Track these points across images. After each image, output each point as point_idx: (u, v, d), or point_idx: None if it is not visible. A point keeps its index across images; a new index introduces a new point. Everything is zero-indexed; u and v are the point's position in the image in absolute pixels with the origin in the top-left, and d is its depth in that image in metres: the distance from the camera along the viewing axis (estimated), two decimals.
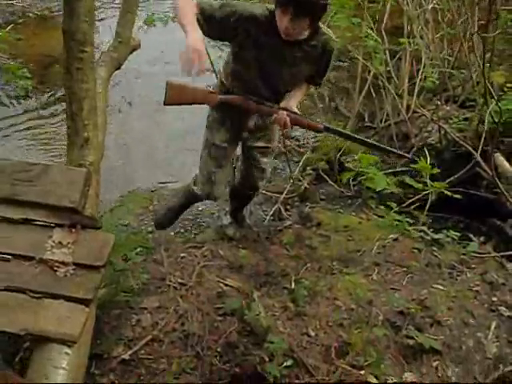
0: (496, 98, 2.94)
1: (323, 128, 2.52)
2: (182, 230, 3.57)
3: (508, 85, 3.37)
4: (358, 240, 2.88)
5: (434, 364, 2.16)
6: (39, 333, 1.42)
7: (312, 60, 2.46)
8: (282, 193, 3.69)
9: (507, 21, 2.81)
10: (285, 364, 2.11)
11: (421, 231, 2.79)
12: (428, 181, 2.31)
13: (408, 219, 2.64)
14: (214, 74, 2.92)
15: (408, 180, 2.67)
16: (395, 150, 2.54)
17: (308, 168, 3.81)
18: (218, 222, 3.42)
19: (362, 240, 2.87)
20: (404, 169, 3.50)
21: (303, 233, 3.02)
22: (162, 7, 7.17)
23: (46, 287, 1.50)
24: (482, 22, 4.07)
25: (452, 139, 3.36)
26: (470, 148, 3.07)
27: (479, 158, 2.96)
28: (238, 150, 2.91)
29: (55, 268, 1.51)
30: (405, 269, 2.64)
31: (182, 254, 2.79)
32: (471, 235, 2.92)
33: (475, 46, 3.94)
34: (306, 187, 3.69)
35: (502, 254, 2.74)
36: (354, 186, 3.46)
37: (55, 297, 1.48)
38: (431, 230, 2.79)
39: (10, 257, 1.56)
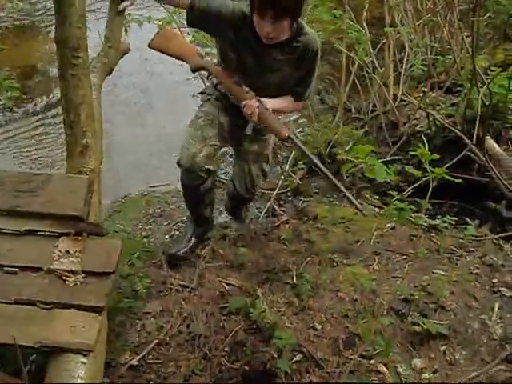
0: (486, 81, 2.96)
1: (287, 137, 2.39)
2: (177, 233, 3.56)
3: (492, 68, 3.39)
4: (356, 231, 2.88)
5: (442, 349, 2.16)
6: (54, 344, 1.40)
7: (295, 63, 2.37)
8: (274, 189, 3.69)
9: (494, 4, 2.81)
10: (294, 359, 2.12)
11: (411, 218, 2.80)
12: (428, 167, 2.32)
13: (411, 206, 2.65)
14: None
15: (407, 168, 2.68)
16: (352, 199, 2.46)
17: (300, 162, 3.81)
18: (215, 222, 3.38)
19: (359, 231, 2.88)
20: (395, 157, 3.52)
21: (300, 227, 3.03)
22: (136, 9, 7.12)
23: (56, 297, 1.49)
24: (461, 7, 4.14)
25: (441, 125, 3.38)
26: (461, 134, 3.09)
27: (472, 145, 2.97)
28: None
29: (64, 277, 1.50)
30: (405, 256, 2.65)
31: None
32: (467, 219, 2.95)
33: (457, 32, 4.01)
34: (298, 182, 3.69)
35: (499, 235, 2.76)
36: (347, 177, 3.46)
37: (67, 306, 1.47)
38: (427, 216, 2.81)
39: (16, 269, 1.55)
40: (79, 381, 1.36)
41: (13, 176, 1.69)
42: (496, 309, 2.35)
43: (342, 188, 2.48)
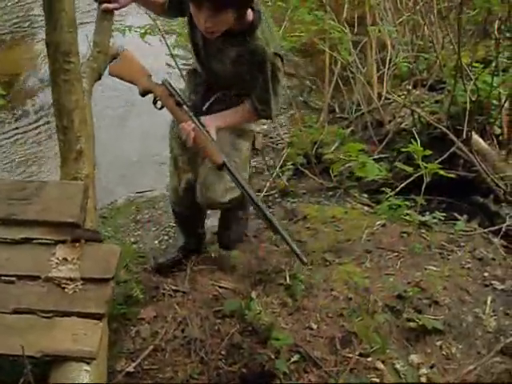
0: (473, 77, 3.00)
1: (221, 164, 2.18)
2: (166, 237, 3.54)
3: (474, 64, 3.43)
4: (347, 230, 2.89)
5: (438, 343, 2.18)
6: (56, 353, 1.38)
7: (246, 64, 2.13)
8: (261, 191, 3.69)
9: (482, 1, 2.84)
10: (292, 359, 2.12)
11: (407, 215, 2.81)
12: (421, 163, 2.34)
13: (406, 203, 2.66)
14: None
15: (399, 164, 2.70)
16: (297, 251, 2.23)
17: (287, 163, 3.81)
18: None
19: (350, 229, 2.89)
20: (382, 155, 3.54)
21: (290, 228, 3.02)
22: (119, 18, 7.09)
23: (55, 306, 1.46)
24: (439, 6, 4.18)
25: (426, 122, 3.40)
26: (447, 131, 3.11)
27: (460, 142, 3.00)
28: None
29: (63, 285, 1.48)
30: (396, 253, 2.67)
31: None
32: (456, 214, 2.97)
33: (437, 30, 4.05)
34: (286, 183, 3.69)
35: (488, 229, 2.79)
36: (334, 176, 3.47)
37: (67, 314, 1.45)
38: (418, 212, 2.83)
39: (14, 278, 1.52)
40: None
41: (6, 184, 1.66)
42: (489, 302, 2.38)
43: (287, 238, 2.26)
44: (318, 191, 3.68)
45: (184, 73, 2.45)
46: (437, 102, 3.72)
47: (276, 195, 3.74)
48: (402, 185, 3.01)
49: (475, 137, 3.19)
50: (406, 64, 3.68)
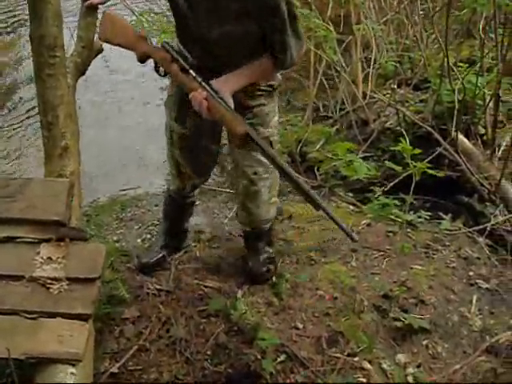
0: (460, 76, 3.00)
1: (244, 134, 1.92)
2: (149, 236, 3.50)
3: (459, 64, 3.44)
4: (332, 228, 2.87)
5: (424, 343, 2.18)
6: (41, 355, 1.34)
7: (255, 15, 1.83)
8: None
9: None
10: (278, 359, 2.10)
11: (392, 214, 2.81)
12: (410, 162, 2.33)
13: (396, 202, 2.66)
14: None
15: (388, 163, 2.69)
16: (344, 226, 1.95)
17: None
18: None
19: (335, 228, 2.85)
20: (367, 154, 3.54)
21: (276, 226, 3.00)
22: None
23: (40, 306, 1.42)
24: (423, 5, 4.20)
25: (411, 122, 3.41)
26: (432, 130, 3.12)
27: (446, 143, 3.00)
28: None
29: (48, 285, 1.44)
30: (382, 253, 2.66)
31: None
32: (441, 213, 2.98)
33: (421, 29, 4.06)
34: None
35: (473, 228, 2.80)
36: (320, 175, 3.46)
37: (52, 315, 1.41)
38: (403, 211, 2.82)
39: None
40: None
41: None
42: (474, 301, 2.39)
43: (320, 202, 2.01)
44: None
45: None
46: (421, 101, 3.74)
47: None
48: (392, 183, 3.01)
49: (460, 137, 3.20)
50: (392, 63, 3.68)
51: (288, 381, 2.04)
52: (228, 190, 3.61)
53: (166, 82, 4.43)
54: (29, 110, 4.83)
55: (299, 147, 3.80)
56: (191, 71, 1.90)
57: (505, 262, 2.64)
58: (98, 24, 2.08)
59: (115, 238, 3.43)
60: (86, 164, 4.06)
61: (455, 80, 3.24)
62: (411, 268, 2.54)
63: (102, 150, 4.34)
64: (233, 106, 1.93)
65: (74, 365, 1.33)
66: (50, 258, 1.48)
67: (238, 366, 2.11)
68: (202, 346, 2.20)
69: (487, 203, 3.01)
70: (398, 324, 2.22)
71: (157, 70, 2.02)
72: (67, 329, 1.38)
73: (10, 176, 3.76)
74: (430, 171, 2.40)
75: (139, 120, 4.62)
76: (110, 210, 3.71)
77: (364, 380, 2.02)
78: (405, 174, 2.67)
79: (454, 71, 3.17)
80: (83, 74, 1.95)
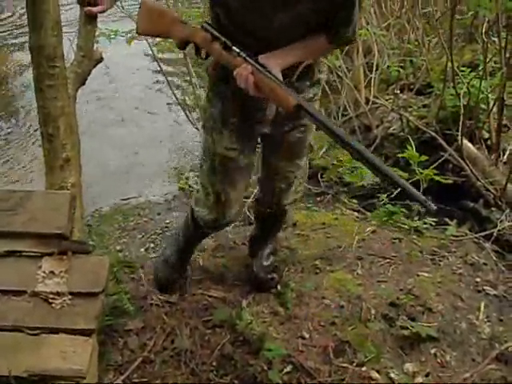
0: (465, 81, 2.98)
1: (296, 106, 1.72)
2: (153, 245, 3.48)
3: (461, 68, 3.42)
4: (337, 236, 2.85)
5: (432, 351, 2.15)
6: (43, 372, 1.31)
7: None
8: (248, 197, 3.63)
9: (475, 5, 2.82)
10: (285, 370, 2.07)
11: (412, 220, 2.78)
12: (417, 168, 2.31)
13: (403, 209, 2.64)
14: None
15: (394, 170, 2.66)
16: (420, 197, 1.63)
17: None
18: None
19: (340, 236, 2.85)
20: None
21: (280, 234, 2.98)
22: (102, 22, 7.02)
23: (43, 322, 1.40)
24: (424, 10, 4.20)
25: (415, 127, 3.39)
26: (436, 135, 3.09)
27: (452, 151, 2.97)
28: None
29: (50, 300, 1.41)
30: (388, 260, 2.63)
31: None
32: (446, 219, 2.95)
33: (423, 34, 4.05)
34: None
35: (479, 234, 2.77)
36: (323, 181, 3.44)
37: (54, 331, 1.38)
38: (409, 218, 2.81)
39: None
40: None
41: None
42: (482, 308, 2.36)
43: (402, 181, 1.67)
44: (306, 196, 3.65)
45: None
46: (424, 106, 3.71)
47: None
48: (398, 190, 2.97)
49: (465, 141, 3.17)
50: (395, 68, 3.66)
51: None
52: None
53: (171, 95, 4.44)
54: None
55: None
56: (234, 48, 1.78)
57: None
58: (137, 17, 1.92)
59: (118, 248, 3.41)
60: (86, 173, 4.08)
61: (459, 84, 3.22)
62: (418, 275, 2.51)
63: (103, 158, 4.33)
64: (282, 80, 1.77)
65: (77, 382, 1.31)
66: (52, 272, 1.46)
67: (244, 377, 2.08)
68: (207, 357, 2.17)
69: (493, 208, 2.98)
70: (406, 332, 2.18)
71: (198, 53, 1.92)
72: (70, 345, 1.35)
73: (14, 187, 3.74)
74: (437, 177, 2.37)
75: (141, 129, 4.61)
76: (112, 219, 3.70)
77: None
78: (411, 181, 2.63)
79: (458, 75, 3.14)
80: (83, 83, 1.93)
